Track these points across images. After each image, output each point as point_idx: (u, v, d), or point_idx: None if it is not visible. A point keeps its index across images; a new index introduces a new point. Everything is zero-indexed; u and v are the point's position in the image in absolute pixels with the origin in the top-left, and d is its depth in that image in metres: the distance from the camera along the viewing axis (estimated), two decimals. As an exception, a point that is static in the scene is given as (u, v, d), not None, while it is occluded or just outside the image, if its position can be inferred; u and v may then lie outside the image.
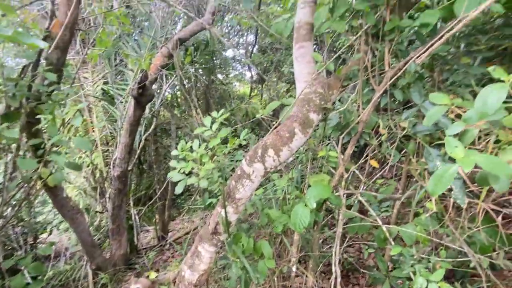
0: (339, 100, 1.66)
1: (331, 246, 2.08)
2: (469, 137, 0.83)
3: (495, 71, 0.75)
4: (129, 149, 3.38)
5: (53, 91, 1.92)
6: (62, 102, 1.93)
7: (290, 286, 2.03)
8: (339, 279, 1.78)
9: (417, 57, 1.18)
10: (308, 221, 1.36)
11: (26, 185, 2.28)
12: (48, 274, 3.49)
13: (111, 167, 3.65)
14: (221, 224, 1.60)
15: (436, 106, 0.94)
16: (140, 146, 3.92)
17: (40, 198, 4.12)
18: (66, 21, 1.98)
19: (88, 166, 4.74)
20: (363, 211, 1.81)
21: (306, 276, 1.89)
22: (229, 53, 8.19)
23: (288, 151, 1.50)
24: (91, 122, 4.63)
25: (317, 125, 1.58)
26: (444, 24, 1.39)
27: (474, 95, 1.60)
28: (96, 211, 3.82)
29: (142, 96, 3.13)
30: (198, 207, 7.13)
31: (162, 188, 4.39)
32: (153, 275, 1.82)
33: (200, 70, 5.21)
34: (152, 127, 3.94)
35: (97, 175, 4.41)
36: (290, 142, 1.49)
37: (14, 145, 2.07)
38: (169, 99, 5.91)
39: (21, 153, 2.00)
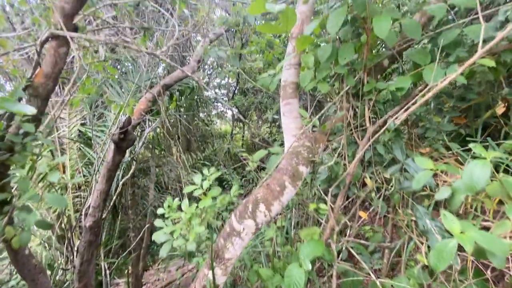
0: (326, 152, 1.72)
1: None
2: (456, 202, 0.87)
3: (476, 148, 0.83)
4: (104, 196, 3.16)
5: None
6: (37, 154, 1.81)
7: None
8: None
9: (396, 118, 1.28)
10: (303, 282, 1.29)
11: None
12: None
13: (83, 215, 3.36)
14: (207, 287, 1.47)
15: (423, 171, 1.00)
16: (117, 192, 3.70)
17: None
18: (51, 71, 1.96)
19: (54, 211, 4.33)
20: (352, 257, 1.77)
21: None
22: (211, 92, 8.44)
23: (279, 205, 1.48)
24: (63, 165, 4.35)
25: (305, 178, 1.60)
26: (413, 87, 1.55)
27: (446, 147, 1.74)
28: (62, 268, 3.39)
29: (124, 141, 3.04)
30: (175, 254, 6.63)
31: (138, 238, 4.06)
32: None
33: (182, 110, 5.24)
34: (131, 171, 3.77)
35: (65, 222, 4.02)
36: (281, 196, 1.48)
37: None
38: (149, 138, 5.79)
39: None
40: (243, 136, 8.72)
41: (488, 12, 1.39)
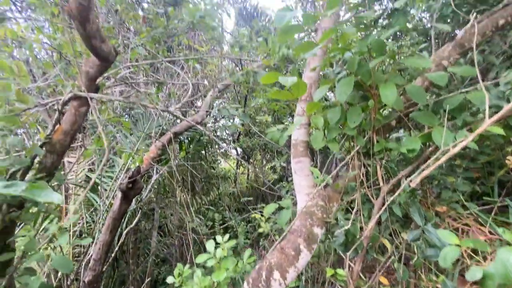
0: (339, 211, 1.68)
1: None
2: (489, 285, 0.82)
3: (504, 233, 0.81)
4: (107, 249, 3.05)
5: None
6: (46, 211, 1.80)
7: None
8: None
9: (410, 181, 1.27)
10: None
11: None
12: None
13: (82, 268, 3.19)
14: None
15: (449, 247, 0.96)
16: (120, 242, 3.57)
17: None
18: (69, 128, 2.04)
19: (49, 260, 4.13)
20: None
21: None
22: (218, 133, 8.62)
23: (295, 272, 1.40)
24: (66, 210, 4.28)
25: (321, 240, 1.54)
26: (423, 146, 1.58)
27: (462, 205, 1.69)
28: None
29: (131, 190, 3.04)
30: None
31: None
32: None
33: (189, 156, 5.31)
34: (136, 220, 3.69)
35: (60, 275, 3.80)
36: (296, 261, 1.41)
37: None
38: (155, 182, 5.77)
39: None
40: (248, 177, 8.66)
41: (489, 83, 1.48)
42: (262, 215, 2.27)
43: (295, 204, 1.91)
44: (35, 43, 2.81)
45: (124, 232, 3.54)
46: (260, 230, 1.58)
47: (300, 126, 1.69)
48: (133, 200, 3.82)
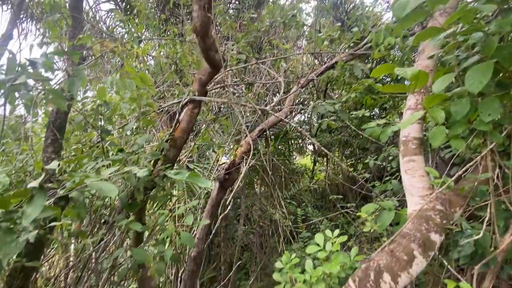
0: (468, 220, 1.46)
1: None
2: None
3: None
4: (207, 230, 3.51)
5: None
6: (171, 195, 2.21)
7: None
8: None
9: None
10: None
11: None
12: None
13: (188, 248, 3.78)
14: None
15: None
16: (216, 226, 4.05)
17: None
18: (186, 126, 2.43)
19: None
20: None
21: None
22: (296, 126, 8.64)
23: (408, 278, 1.30)
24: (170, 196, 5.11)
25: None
26: None
27: None
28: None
29: (227, 180, 3.40)
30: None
31: (230, 274, 4.24)
32: None
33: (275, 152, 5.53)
34: (228, 208, 4.11)
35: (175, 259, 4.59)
36: (410, 267, 1.31)
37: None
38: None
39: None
40: (327, 174, 8.39)
41: None
42: (355, 214, 2.16)
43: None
44: (152, 57, 3.45)
45: (220, 218, 3.99)
46: (366, 229, 1.52)
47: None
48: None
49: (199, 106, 2.40)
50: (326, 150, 2.85)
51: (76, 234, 2.01)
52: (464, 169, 1.38)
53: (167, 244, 4.06)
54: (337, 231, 1.54)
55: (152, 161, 2.47)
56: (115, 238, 2.44)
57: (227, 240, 4.98)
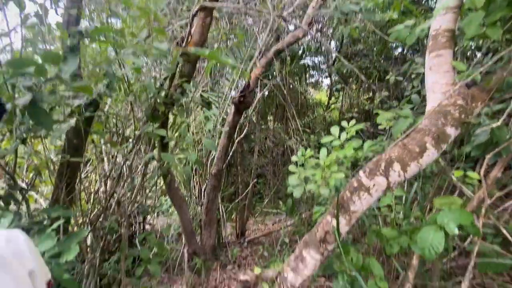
0: (485, 114, 1.45)
1: (451, 279, 1.82)
2: None
3: None
4: (225, 151, 3.74)
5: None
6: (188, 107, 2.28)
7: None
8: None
9: None
10: (442, 247, 1.23)
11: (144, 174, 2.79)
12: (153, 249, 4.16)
13: (209, 166, 4.10)
14: (331, 233, 1.60)
15: None
16: (233, 148, 4.29)
17: (150, 184, 4.97)
18: (198, 39, 2.34)
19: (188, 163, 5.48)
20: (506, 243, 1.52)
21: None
22: (307, 60, 8.14)
23: (417, 167, 1.39)
24: (192, 125, 5.32)
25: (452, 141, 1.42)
26: None
27: None
28: (196, 203, 4.35)
29: (242, 103, 3.44)
30: (271, 211, 7.32)
31: (247, 190, 4.68)
32: (257, 270, 1.95)
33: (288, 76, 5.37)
34: (244, 131, 4.26)
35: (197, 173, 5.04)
36: (420, 157, 1.38)
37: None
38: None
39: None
40: (342, 106, 8.24)
41: None
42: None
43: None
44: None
45: (236, 141, 4.19)
46: (381, 126, 1.56)
47: (446, 11, 1.39)
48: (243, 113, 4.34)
49: (210, 15, 2.25)
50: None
51: (108, 143, 2.21)
52: (492, 60, 1.29)
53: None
54: (353, 121, 1.60)
55: (169, 77, 2.48)
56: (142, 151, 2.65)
57: (243, 165, 5.32)
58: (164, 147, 2.55)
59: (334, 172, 1.44)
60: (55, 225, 1.29)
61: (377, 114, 1.72)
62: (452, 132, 1.37)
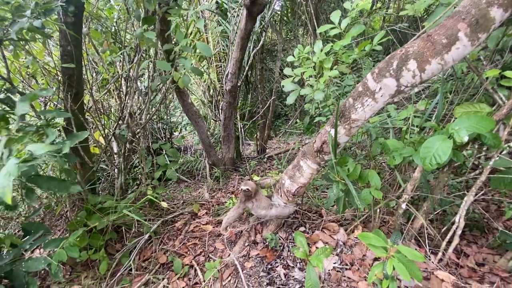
0: None
1: (454, 194, 1.73)
2: None
3: None
4: (239, 65, 3.49)
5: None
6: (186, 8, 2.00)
7: (391, 221, 1.90)
8: (459, 231, 1.51)
9: None
10: (446, 157, 1.08)
11: (163, 90, 2.77)
12: (180, 160, 4.59)
13: (224, 82, 3.96)
14: (329, 143, 1.51)
15: None
16: (249, 63, 3.99)
17: (172, 104, 5.10)
18: None
19: (205, 81, 5.36)
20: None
21: (415, 217, 1.69)
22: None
23: (439, 64, 1.11)
24: (206, 38, 4.94)
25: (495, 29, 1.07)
26: None
27: None
28: (212, 119, 4.45)
29: (254, 5, 2.96)
30: (294, 131, 7.36)
31: (265, 107, 4.58)
32: (255, 177, 2.02)
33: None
34: (261, 43, 3.85)
35: (212, 89, 4.96)
36: (446, 52, 1.09)
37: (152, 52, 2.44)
38: (277, 17, 5.50)
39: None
40: (386, 10, 6.91)
41: None
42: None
43: None
44: None
45: (252, 54, 3.86)
46: (402, 13, 1.22)
47: None
48: (258, 21, 3.85)
49: None
50: None
51: (106, 50, 2.12)
52: None
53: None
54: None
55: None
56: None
57: (263, 83, 5.05)
58: (169, 56, 2.40)
59: (326, 69, 1.22)
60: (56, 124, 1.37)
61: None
62: (498, 14, 1.01)
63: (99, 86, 3.25)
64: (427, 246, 1.67)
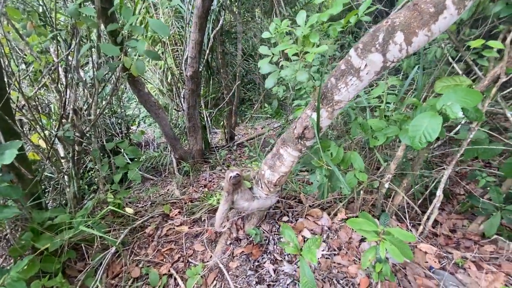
0: None
1: (431, 168, 1.78)
2: None
3: None
4: (199, 48, 3.19)
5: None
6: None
7: (372, 200, 1.91)
8: (438, 204, 1.55)
9: None
10: (436, 134, 1.03)
11: (113, 80, 2.39)
12: (142, 157, 4.19)
13: (183, 67, 3.62)
14: (311, 128, 1.40)
15: None
16: (209, 45, 3.69)
17: (126, 96, 4.58)
18: None
19: (160, 67, 4.88)
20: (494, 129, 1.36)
21: (395, 193, 1.71)
22: None
23: (426, 36, 1.04)
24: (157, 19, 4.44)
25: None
26: None
27: None
28: (174, 109, 4.10)
29: (211, -22, 2.66)
30: (260, 115, 7.24)
31: (230, 93, 4.36)
32: (232, 168, 1.86)
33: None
34: (220, 22, 3.55)
35: (170, 76, 4.54)
36: (433, 22, 1.01)
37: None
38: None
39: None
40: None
41: None
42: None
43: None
44: None
45: (212, 35, 3.56)
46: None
47: None
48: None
49: None
50: None
51: (32, 34, 1.70)
52: None
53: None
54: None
55: None
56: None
57: (225, 68, 4.77)
58: (113, 35, 2.03)
59: (311, 44, 1.08)
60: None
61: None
62: (486, -22, 0.96)
63: (31, 80, 2.71)
64: (407, 220, 1.70)
